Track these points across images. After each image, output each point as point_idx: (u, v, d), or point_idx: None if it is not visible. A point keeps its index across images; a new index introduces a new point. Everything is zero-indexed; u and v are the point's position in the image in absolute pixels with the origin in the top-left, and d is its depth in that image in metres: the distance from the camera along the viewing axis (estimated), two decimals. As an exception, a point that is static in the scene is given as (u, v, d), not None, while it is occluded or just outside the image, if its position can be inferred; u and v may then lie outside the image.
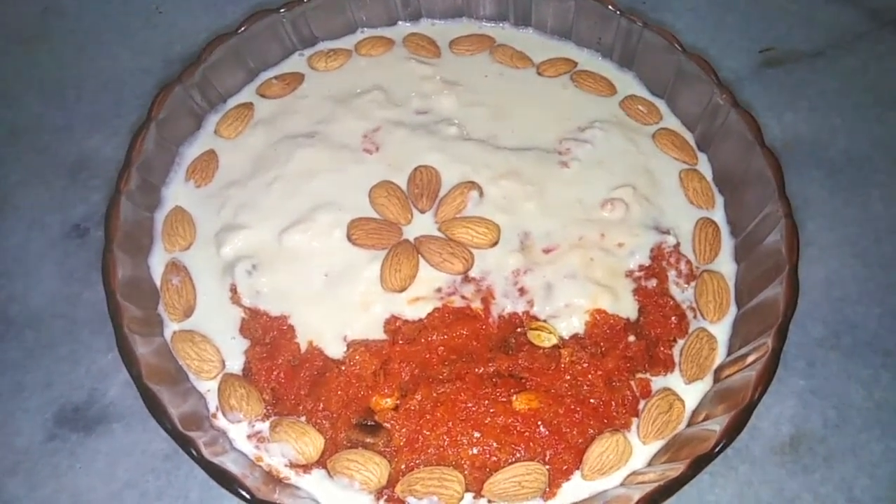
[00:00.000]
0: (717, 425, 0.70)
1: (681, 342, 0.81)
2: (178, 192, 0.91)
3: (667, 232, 0.87)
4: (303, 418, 0.77)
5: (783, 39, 1.18)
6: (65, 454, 0.84)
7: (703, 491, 0.82)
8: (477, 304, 0.81)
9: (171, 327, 0.82)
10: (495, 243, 0.84)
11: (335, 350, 0.79)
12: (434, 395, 0.76)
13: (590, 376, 0.77)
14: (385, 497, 0.74)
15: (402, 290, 0.81)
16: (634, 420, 0.77)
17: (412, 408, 0.75)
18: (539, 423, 0.75)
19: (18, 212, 1.01)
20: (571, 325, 0.80)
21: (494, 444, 0.74)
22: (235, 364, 0.80)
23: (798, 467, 0.83)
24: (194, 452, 0.69)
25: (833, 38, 1.18)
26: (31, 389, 0.88)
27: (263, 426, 0.77)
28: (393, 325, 0.80)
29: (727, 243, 0.88)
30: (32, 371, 0.89)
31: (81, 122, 1.09)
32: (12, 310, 0.94)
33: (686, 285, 0.85)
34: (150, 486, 0.82)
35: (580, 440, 0.75)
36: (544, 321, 0.81)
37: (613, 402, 0.77)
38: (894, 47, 1.16)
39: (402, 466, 0.74)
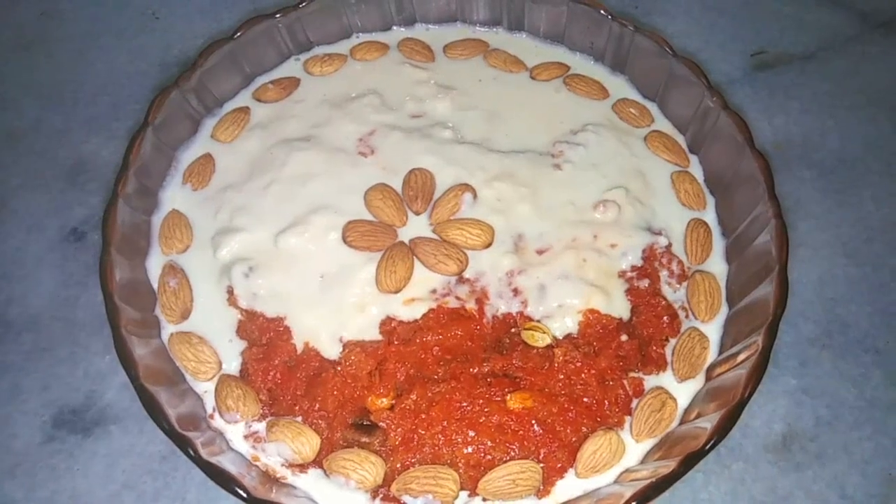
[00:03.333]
0: (708, 423, 0.71)
1: (673, 341, 0.82)
2: (175, 196, 0.92)
3: (659, 233, 0.88)
4: (299, 418, 0.77)
5: (774, 42, 1.19)
6: (63, 456, 0.85)
7: (696, 489, 0.83)
8: (471, 305, 0.82)
9: (168, 329, 0.83)
10: (489, 245, 0.85)
11: (331, 351, 0.80)
12: (429, 394, 0.76)
13: (583, 375, 0.78)
14: (381, 496, 0.74)
15: (398, 291, 0.82)
16: (627, 418, 0.78)
17: (407, 407, 0.76)
18: (533, 421, 0.75)
19: (17, 215, 1.02)
20: (565, 325, 0.81)
21: (489, 443, 0.75)
22: (232, 365, 0.81)
23: (790, 465, 0.84)
24: (192, 452, 0.69)
25: (824, 41, 1.19)
26: (29, 391, 0.89)
27: (260, 426, 0.78)
28: (388, 325, 0.81)
29: (718, 244, 0.89)
30: (30, 373, 0.90)
31: (79, 125, 1.10)
32: (10, 312, 0.94)
33: (678, 285, 0.86)
34: (147, 488, 0.83)
35: (574, 438, 0.75)
36: (538, 321, 0.81)
37: (606, 401, 0.77)
38: (884, 50, 1.18)
39: (398, 465, 0.75)
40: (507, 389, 0.77)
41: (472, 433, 0.75)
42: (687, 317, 0.84)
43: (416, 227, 0.87)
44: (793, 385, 0.89)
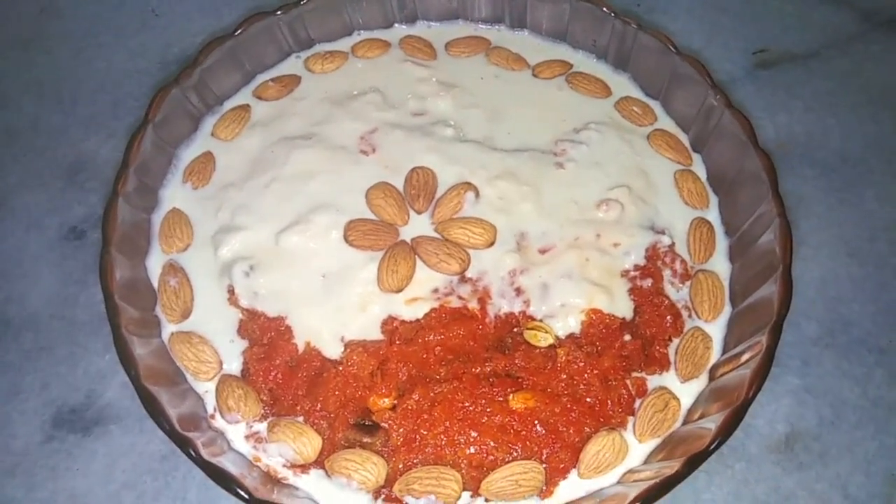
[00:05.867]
0: (712, 423, 0.70)
1: (676, 341, 0.82)
2: (175, 194, 0.91)
3: (662, 232, 0.88)
4: (300, 418, 0.77)
5: (777, 40, 1.19)
6: (62, 455, 0.85)
7: (699, 489, 0.82)
8: (473, 305, 0.81)
9: (168, 328, 0.82)
10: (492, 244, 0.85)
11: (333, 350, 0.80)
12: (431, 394, 0.76)
13: (586, 375, 0.77)
14: (383, 496, 0.74)
15: (399, 290, 0.82)
16: (630, 419, 0.77)
17: (409, 407, 0.76)
18: (536, 422, 0.75)
19: (16, 214, 1.02)
20: (567, 324, 0.81)
21: (491, 444, 0.74)
22: (233, 365, 0.80)
23: (793, 465, 0.84)
24: (193, 453, 0.69)
25: (826, 39, 1.18)
26: (28, 391, 0.88)
27: (261, 427, 0.78)
28: (390, 325, 0.81)
29: (721, 243, 0.89)
30: (30, 373, 0.90)
31: (78, 123, 1.10)
32: (10, 311, 0.94)
33: (681, 285, 0.85)
34: (147, 487, 0.82)
35: (577, 439, 0.75)
36: (541, 321, 0.81)
37: (609, 401, 0.77)
38: (887, 48, 1.17)
39: (400, 466, 0.74)
40: (509, 389, 0.76)
41: (474, 433, 0.75)
42: (690, 316, 0.84)
43: (417, 226, 0.87)
44: (795, 385, 0.89)
